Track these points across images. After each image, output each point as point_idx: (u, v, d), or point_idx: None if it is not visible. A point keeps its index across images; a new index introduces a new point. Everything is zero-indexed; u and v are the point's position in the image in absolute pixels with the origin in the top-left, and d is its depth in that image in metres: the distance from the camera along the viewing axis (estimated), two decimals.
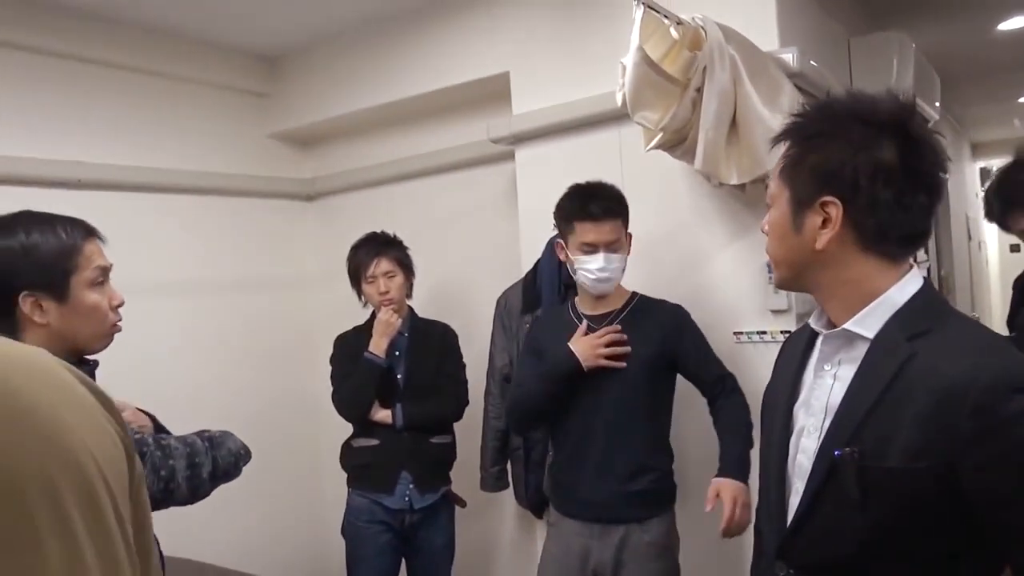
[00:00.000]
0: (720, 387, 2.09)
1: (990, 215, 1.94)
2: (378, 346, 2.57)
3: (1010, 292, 4.97)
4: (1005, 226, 1.94)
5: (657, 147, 2.04)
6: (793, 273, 1.16)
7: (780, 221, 1.14)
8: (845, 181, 1.06)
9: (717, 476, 1.93)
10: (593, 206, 2.03)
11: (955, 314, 1.10)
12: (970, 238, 6.20)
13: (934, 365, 0.99)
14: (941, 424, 0.96)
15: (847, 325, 1.09)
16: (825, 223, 1.08)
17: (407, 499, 2.60)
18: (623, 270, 2.09)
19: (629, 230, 2.12)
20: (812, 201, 1.09)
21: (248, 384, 3.40)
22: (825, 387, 1.13)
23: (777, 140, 1.17)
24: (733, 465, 1.94)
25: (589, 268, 2.03)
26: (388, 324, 2.58)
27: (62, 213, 1.45)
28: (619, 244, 2.05)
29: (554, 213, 2.14)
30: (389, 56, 3.16)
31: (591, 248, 2.03)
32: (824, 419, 1.11)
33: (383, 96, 3.18)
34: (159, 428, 1.67)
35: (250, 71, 3.49)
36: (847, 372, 1.10)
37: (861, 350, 1.08)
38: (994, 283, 8.41)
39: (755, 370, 2.30)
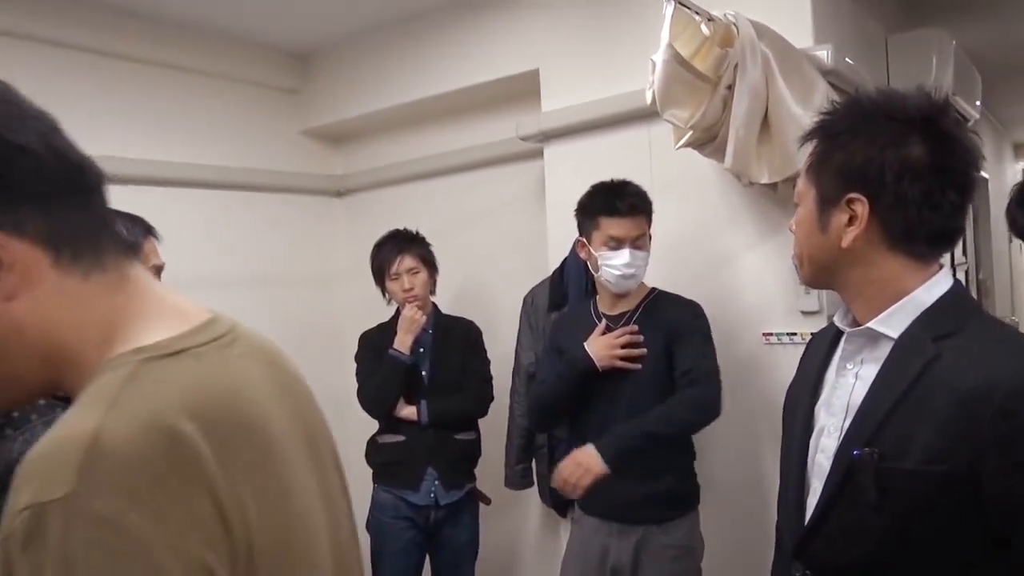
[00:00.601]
0: (683, 380, 2.00)
1: (1015, 228, 1.87)
2: (403, 343, 2.57)
3: None
4: None
5: (687, 145, 2.02)
6: (819, 272, 1.15)
7: (807, 219, 1.13)
8: (871, 178, 1.05)
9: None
10: (619, 202, 2.03)
11: (983, 316, 1.08)
12: (1011, 240, 6.05)
13: (958, 367, 0.97)
14: (963, 427, 0.94)
15: (871, 324, 1.08)
16: (851, 221, 1.07)
17: (432, 495, 2.60)
18: (646, 268, 2.08)
19: (650, 231, 2.11)
20: (838, 199, 1.08)
21: None
22: (847, 386, 1.12)
23: (805, 139, 1.16)
24: (607, 436, 1.94)
25: (614, 264, 2.02)
26: (413, 321, 2.59)
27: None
28: (644, 241, 2.05)
29: (576, 212, 2.14)
30: (419, 53, 3.17)
31: (617, 243, 2.02)
32: (845, 419, 1.10)
33: (413, 93, 3.19)
34: None
35: (282, 67, 3.52)
36: (869, 371, 1.08)
37: (885, 350, 1.07)
38: None
39: (784, 372, 2.24)
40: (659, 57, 1.84)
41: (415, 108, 3.27)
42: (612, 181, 2.11)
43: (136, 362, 0.64)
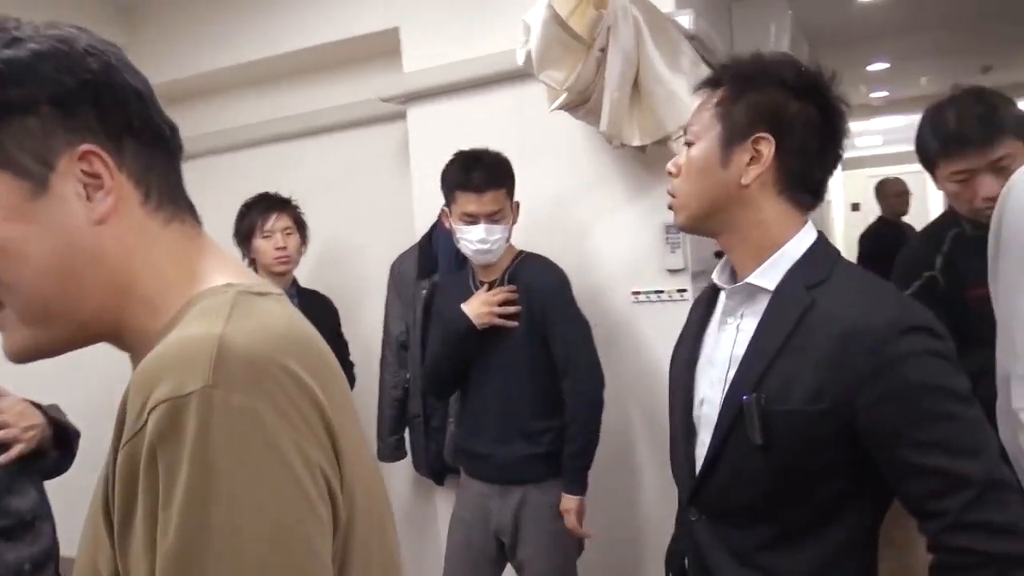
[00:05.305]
0: (567, 367, 2.04)
1: (923, 157, 1.75)
2: None
3: (854, 248, 5.30)
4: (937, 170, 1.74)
5: (561, 107, 2.02)
6: (708, 211, 1.16)
7: (706, 156, 1.15)
8: (783, 121, 1.10)
9: (563, 491, 2.03)
10: (475, 176, 1.99)
11: (846, 263, 1.16)
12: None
13: (831, 312, 1.05)
14: (839, 366, 1.01)
15: (750, 279, 1.14)
16: (753, 160, 1.11)
17: None
18: (506, 240, 2.06)
19: (517, 198, 2.09)
20: (745, 137, 1.12)
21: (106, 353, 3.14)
22: (729, 339, 1.17)
23: (707, 84, 1.20)
24: (571, 481, 2.03)
25: (469, 239, 2.01)
26: None
27: None
28: (501, 215, 2.02)
29: (440, 181, 2.10)
30: (267, 6, 2.95)
31: (471, 219, 2.00)
32: (728, 370, 1.15)
33: (262, 50, 2.97)
34: (56, 423, 1.63)
35: (103, 20, 3.17)
36: (750, 324, 1.14)
37: (763, 303, 1.13)
38: (838, 241, 9.07)
39: (652, 328, 2.37)
40: (537, 16, 1.81)
41: (265, 66, 3.06)
42: (470, 152, 2.06)
43: (234, 292, 0.66)
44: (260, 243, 2.51)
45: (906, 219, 5.00)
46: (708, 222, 1.19)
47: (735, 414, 1.10)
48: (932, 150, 1.70)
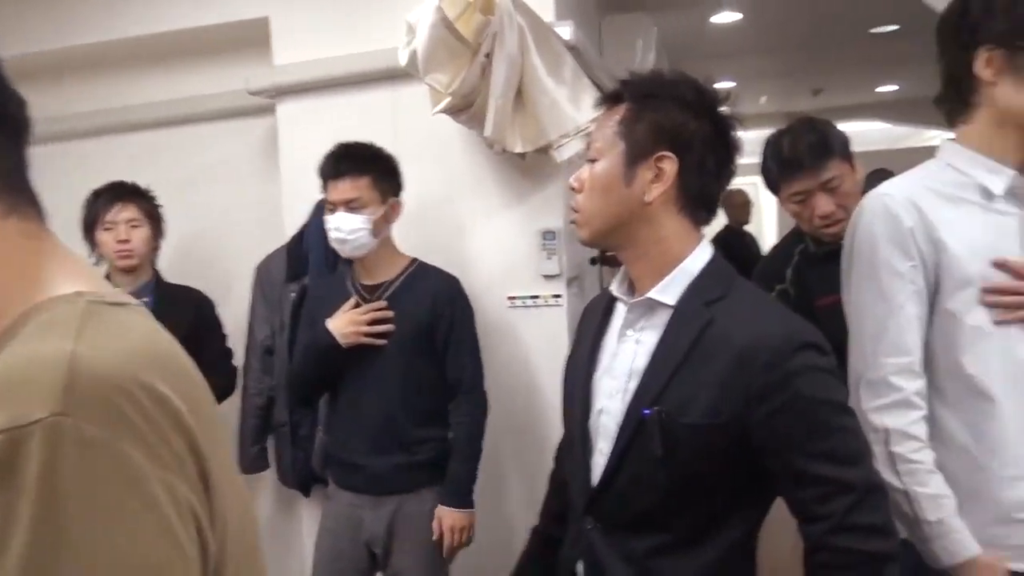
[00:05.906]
0: (458, 386, 2.06)
1: (768, 181, 1.91)
2: None
3: None
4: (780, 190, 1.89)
5: (444, 111, 2.00)
6: (611, 227, 1.18)
7: (609, 172, 1.17)
8: (683, 140, 1.13)
9: (441, 503, 2.01)
10: (340, 164, 1.97)
11: (741, 281, 1.21)
12: None
13: (729, 329, 1.09)
14: (737, 381, 1.06)
15: (651, 294, 1.16)
16: (656, 178, 1.14)
17: None
18: (371, 233, 1.95)
19: (397, 197, 2.04)
20: (648, 155, 1.14)
21: None
22: (629, 352, 1.19)
23: (610, 98, 1.21)
24: (453, 493, 2.01)
25: (328, 228, 1.97)
26: None
27: None
28: (360, 204, 1.94)
29: None
30: None
31: (332, 208, 1.97)
32: (628, 382, 1.17)
33: (118, 31, 2.73)
34: None
35: None
36: (650, 337, 1.17)
37: (663, 317, 1.16)
38: None
39: (528, 333, 2.39)
40: (424, 18, 1.78)
41: (123, 48, 2.81)
42: (344, 143, 2.02)
43: (85, 303, 0.58)
44: (102, 235, 2.31)
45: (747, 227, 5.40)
46: (611, 237, 1.21)
47: (635, 426, 1.12)
48: (773, 174, 1.88)
